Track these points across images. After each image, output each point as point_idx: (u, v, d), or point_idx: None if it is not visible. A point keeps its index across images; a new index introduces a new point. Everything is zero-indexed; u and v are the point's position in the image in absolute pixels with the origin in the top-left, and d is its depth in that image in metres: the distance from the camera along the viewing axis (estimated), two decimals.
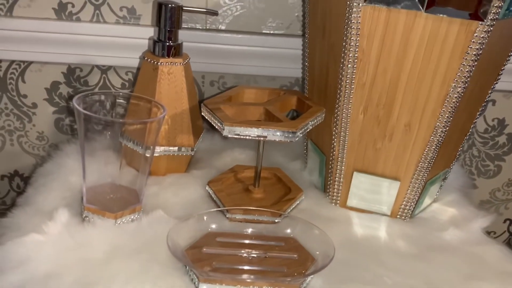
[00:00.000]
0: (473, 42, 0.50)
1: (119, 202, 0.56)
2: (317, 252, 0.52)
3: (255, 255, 0.51)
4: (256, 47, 0.83)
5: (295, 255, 0.52)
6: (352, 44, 0.53)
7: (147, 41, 0.79)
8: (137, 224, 0.55)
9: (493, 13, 0.48)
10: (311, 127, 0.57)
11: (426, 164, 0.58)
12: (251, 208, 0.57)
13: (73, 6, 0.79)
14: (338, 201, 0.64)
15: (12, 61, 0.82)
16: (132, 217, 0.56)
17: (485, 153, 0.96)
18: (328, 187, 0.64)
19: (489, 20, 0.49)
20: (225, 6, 0.80)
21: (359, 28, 0.52)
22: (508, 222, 1.03)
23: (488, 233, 1.05)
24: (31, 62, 0.82)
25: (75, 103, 0.51)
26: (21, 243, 0.50)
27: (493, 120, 0.93)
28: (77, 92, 0.85)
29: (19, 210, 0.57)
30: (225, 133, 0.53)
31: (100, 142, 0.53)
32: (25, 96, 0.84)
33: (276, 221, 0.57)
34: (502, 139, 0.95)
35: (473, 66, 0.51)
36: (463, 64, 0.51)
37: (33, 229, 0.52)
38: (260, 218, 0.58)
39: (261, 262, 0.50)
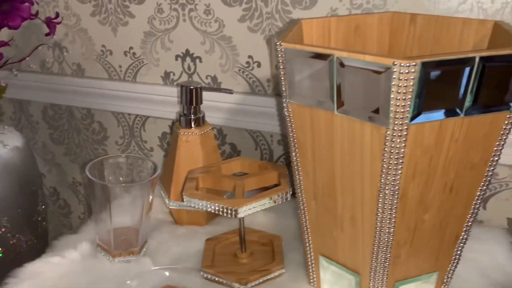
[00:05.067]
0: (386, 145, 0.46)
1: (123, 243, 0.70)
2: None
3: None
4: None
5: None
6: (290, 134, 0.55)
7: (224, 104, 0.92)
8: (126, 265, 0.68)
9: (397, 118, 0.44)
10: (260, 208, 0.60)
11: (381, 263, 0.54)
12: (205, 270, 0.64)
13: (174, 74, 0.98)
14: (314, 283, 0.64)
15: (137, 115, 1.06)
16: (128, 258, 0.69)
17: None
18: (306, 266, 0.65)
19: (395, 125, 0.45)
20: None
21: (292, 121, 0.54)
22: None
23: None
24: (148, 117, 1.05)
25: (87, 171, 0.68)
26: (45, 261, 0.69)
27: None
28: None
29: (68, 236, 0.76)
30: (185, 202, 0.62)
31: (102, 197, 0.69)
32: (145, 141, 1.07)
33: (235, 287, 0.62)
34: None
35: (397, 169, 0.47)
36: (384, 167, 0.48)
37: (60, 252, 0.70)
38: (224, 281, 0.64)
39: None
